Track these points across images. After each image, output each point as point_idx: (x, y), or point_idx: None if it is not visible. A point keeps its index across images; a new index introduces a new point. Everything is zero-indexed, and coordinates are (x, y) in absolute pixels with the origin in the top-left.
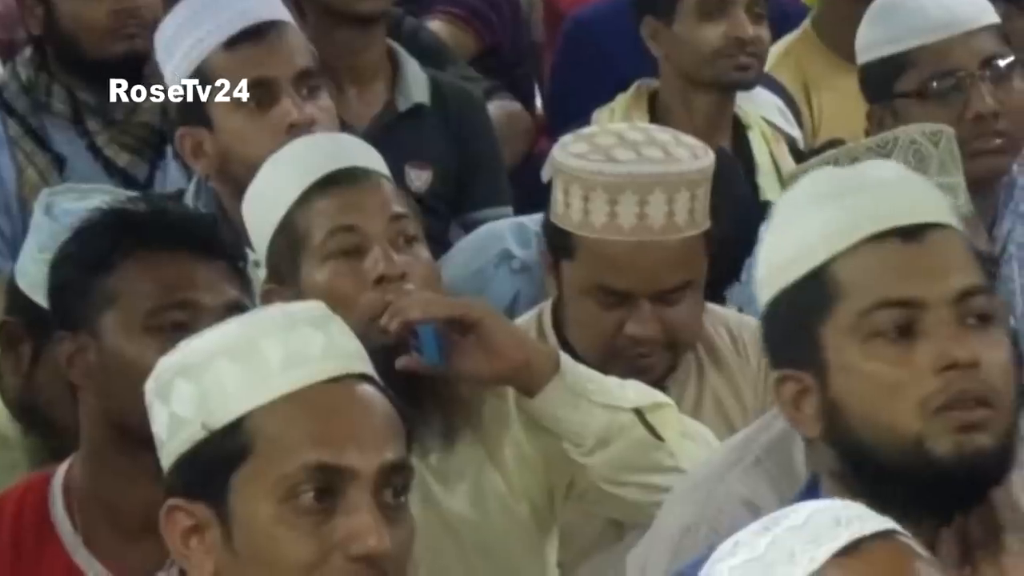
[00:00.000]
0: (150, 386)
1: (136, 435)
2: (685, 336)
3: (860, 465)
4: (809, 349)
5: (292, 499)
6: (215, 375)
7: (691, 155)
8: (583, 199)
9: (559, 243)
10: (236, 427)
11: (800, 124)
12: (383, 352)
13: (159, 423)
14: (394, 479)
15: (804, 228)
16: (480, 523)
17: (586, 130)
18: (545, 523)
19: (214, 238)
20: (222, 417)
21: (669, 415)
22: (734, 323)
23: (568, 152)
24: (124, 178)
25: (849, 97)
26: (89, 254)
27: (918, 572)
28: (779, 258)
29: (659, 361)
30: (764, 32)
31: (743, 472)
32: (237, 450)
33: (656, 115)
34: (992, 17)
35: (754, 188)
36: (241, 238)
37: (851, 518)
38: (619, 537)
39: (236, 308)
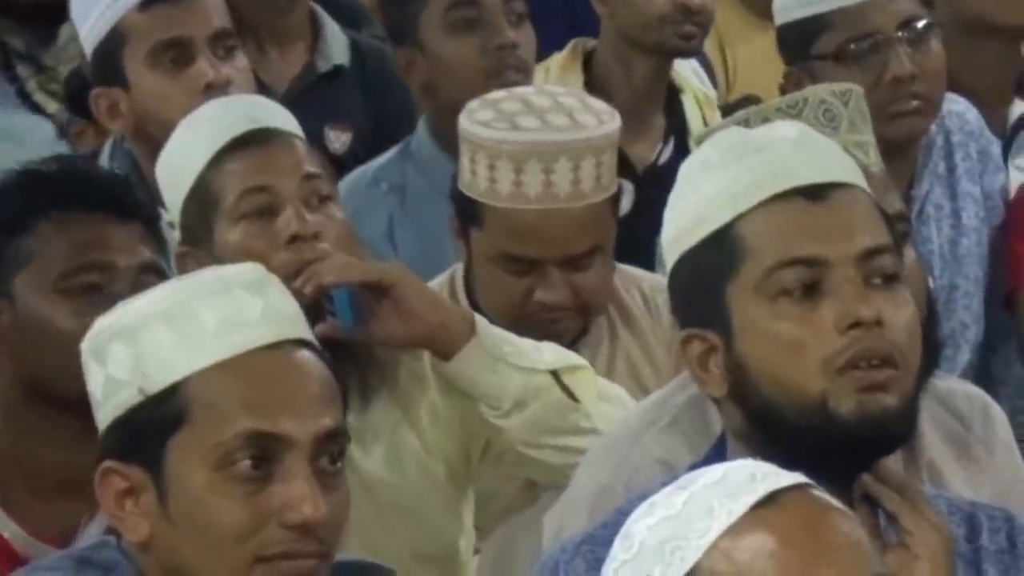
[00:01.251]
0: (86, 346)
1: (51, 396)
2: (595, 300)
3: (765, 424)
4: (715, 308)
5: (227, 467)
6: (151, 339)
7: (597, 121)
8: (489, 167)
9: (467, 211)
10: (172, 393)
11: (714, 81)
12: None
13: (95, 383)
14: (330, 446)
15: (709, 189)
16: (396, 484)
17: (492, 95)
18: (461, 484)
19: (129, 199)
20: (158, 382)
21: (586, 377)
22: (647, 285)
23: (474, 120)
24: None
25: (763, 53)
26: (1, 216)
27: (832, 519)
28: (685, 219)
29: (570, 325)
30: (709, 2)
31: (659, 433)
32: (173, 416)
33: (591, 75)
34: None
35: (686, 152)
36: (156, 199)
37: (766, 474)
38: (534, 499)
39: (151, 269)
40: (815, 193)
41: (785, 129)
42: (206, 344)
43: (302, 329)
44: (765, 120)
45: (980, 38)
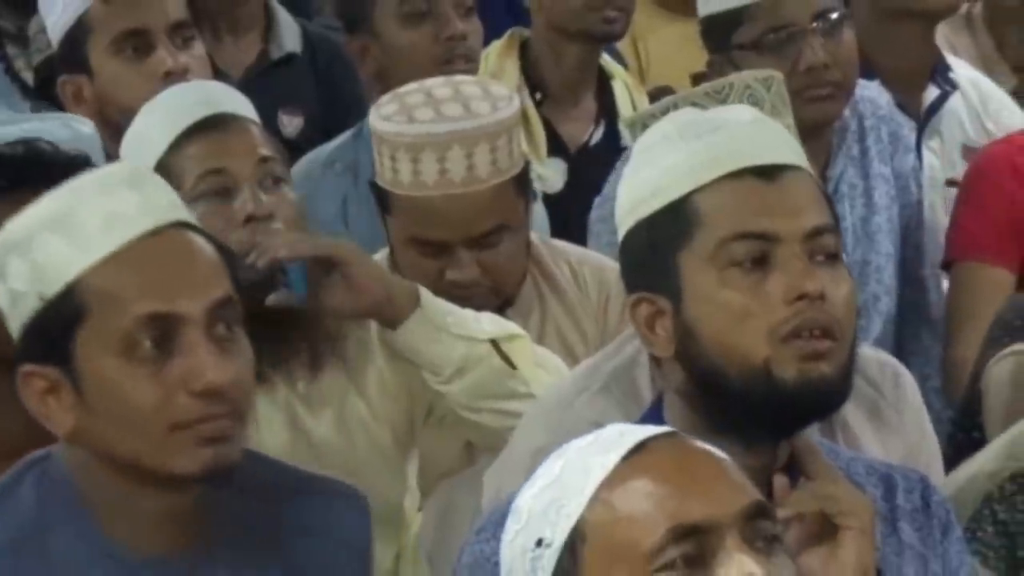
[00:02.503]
0: None
1: (11, 363)
2: (506, 276)
3: (709, 385)
4: (666, 274)
5: (131, 350)
6: (41, 248)
7: (492, 108)
8: (391, 159)
9: (379, 199)
10: (69, 292)
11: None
12: (252, 287)
13: (1, 298)
14: (224, 314)
15: (666, 163)
16: (344, 447)
17: (402, 88)
18: (405, 447)
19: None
20: (55, 285)
21: (523, 345)
22: (575, 258)
23: (378, 114)
24: (38, 99)
25: (672, 45)
26: None
27: (699, 456)
28: (640, 191)
29: (485, 301)
30: None
31: (591, 397)
32: (74, 313)
33: (527, 62)
34: None
35: (616, 134)
36: None
37: (634, 429)
38: (473, 461)
39: None
40: (767, 173)
41: (740, 112)
42: (92, 241)
43: (181, 213)
44: (694, 104)
45: (898, 23)
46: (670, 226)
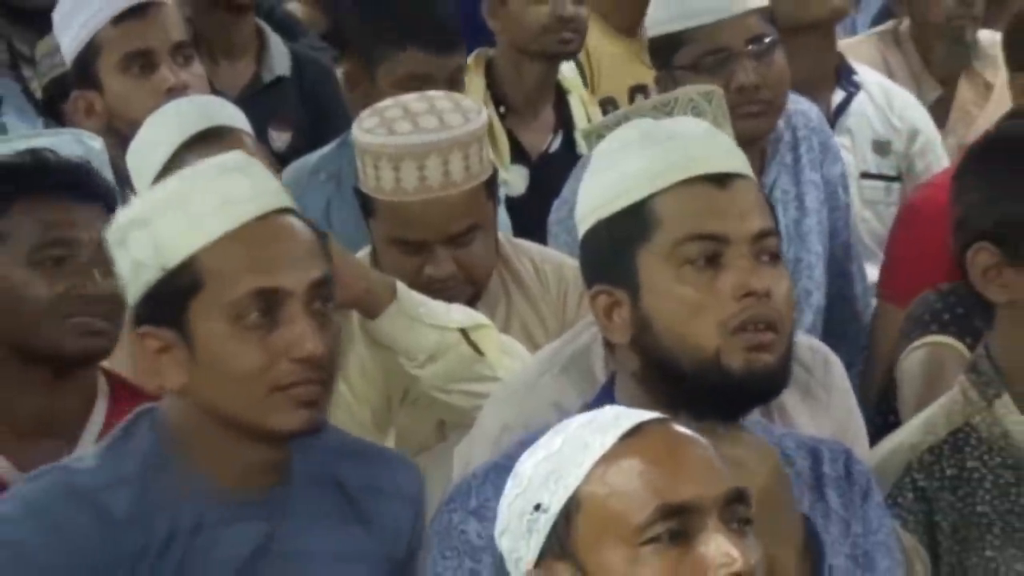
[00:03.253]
0: (110, 237)
1: (27, 353)
2: (479, 271)
3: (662, 370)
4: (625, 269)
5: (240, 319)
6: (164, 224)
7: (463, 119)
8: (374, 168)
9: (363, 204)
10: (187, 265)
11: (586, 84)
12: None
13: (122, 266)
14: (321, 291)
15: (627, 168)
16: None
17: (380, 104)
18: (383, 425)
19: (90, 183)
20: (175, 258)
21: (489, 334)
22: (537, 256)
23: (361, 128)
24: (47, 116)
25: (616, 61)
26: None
27: (688, 443)
28: (602, 193)
29: (460, 294)
30: (583, 10)
31: (552, 379)
32: (191, 284)
33: (492, 78)
34: (761, 1)
35: (572, 143)
36: (126, 183)
37: (629, 413)
38: (444, 437)
39: None
40: (719, 180)
41: (694, 124)
42: (210, 221)
43: (285, 199)
44: (642, 117)
45: (796, 36)
46: (630, 226)
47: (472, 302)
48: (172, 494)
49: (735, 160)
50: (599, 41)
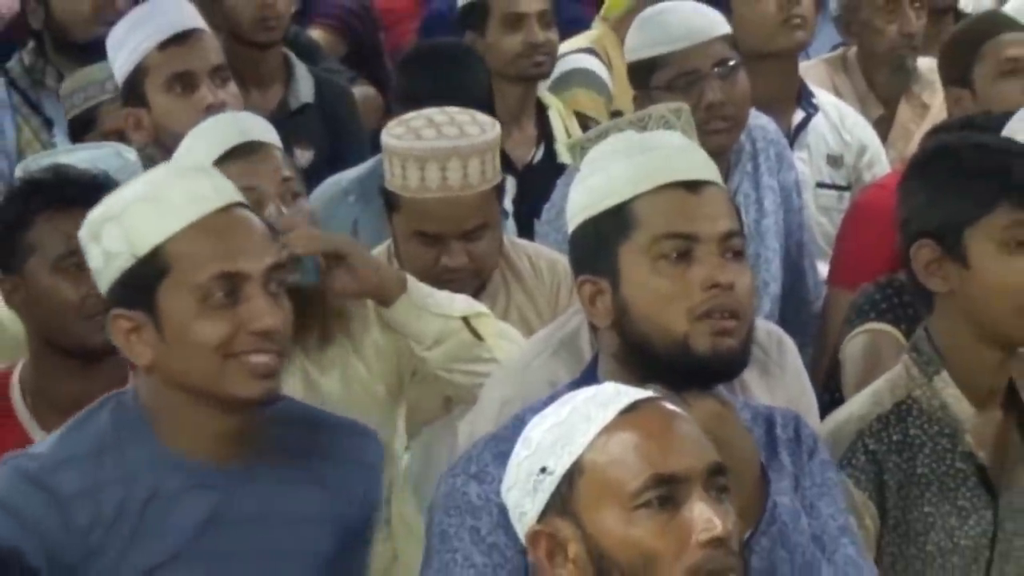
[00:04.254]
0: (83, 232)
1: (61, 346)
2: (486, 264)
3: (639, 351)
4: (607, 262)
5: (207, 299)
6: (134, 217)
7: (480, 130)
8: (401, 168)
9: (388, 201)
10: (156, 253)
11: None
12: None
13: (94, 257)
14: (275, 275)
15: (611, 174)
16: (347, 399)
17: (406, 116)
18: (396, 399)
19: (106, 193)
20: (145, 246)
21: (488, 321)
22: (533, 253)
23: (390, 134)
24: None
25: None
26: (11, 216)
27: (678, 420)
28: (590, 195)
29: (468, 284)
30: (553, 35)
31: (545, 360)
32: (160, 269)
33: None
34: (724, 28)
35: (553, 154)
36: None
37: (628, 390)
38: (449, 411)
39: None
40: (693, 186)
41: (672, 137)
42: (176, 214)
43: (240, 196)
44: (621, 131)
45: (762, 63)
46: (613, 224)
47: (477, 293)
48: (128, 467)
49: (707, 169)
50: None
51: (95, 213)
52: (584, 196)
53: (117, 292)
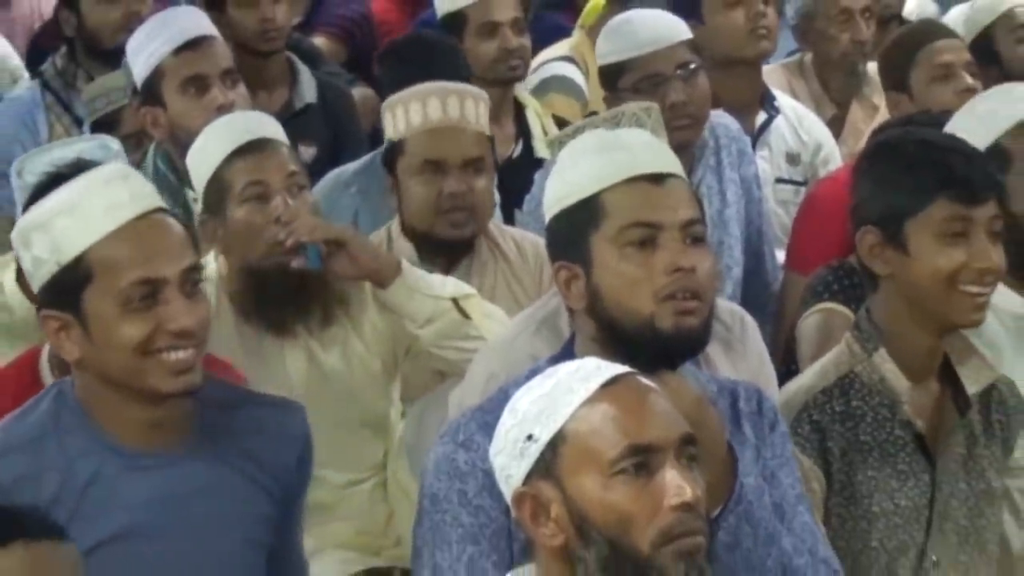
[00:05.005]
0: (15, 237)
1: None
2: (482, 203)
3: (610, 332)
4: (580, 250)
5: (128, 303)
6: (59, 227)
7: (472, 87)
8: (404, 111)
9: (395, 152)
10: (80, 260)
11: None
12: (283, 263)
13: (26, 262)
14: (192, 276)
15: (583, 169)
16: (347, 374)
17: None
18: (391, 374)
19: None
20: (69, 255)
21: (475, 301)
22: (518, 236)
23: (390, 101)
24: None
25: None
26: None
27: (653, 394)
28: (563, 188)
29: (468, 226)
30: (526, 41)
31: (528, 336)
32: (84, 276)
33: None
34: (686, 34)
35: (531, 150)
36: (185, 180)
37: (608, 366)
38: (441, 383)
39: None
40: (657, 179)
41: (639, 134)
42: (97, 223)
43: (158, 201)
44: (597, 128)
45: (729, 68)
46: (585, 215)
47: (472, 237)
48: (68, 453)
49: (670, 163)
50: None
51: (24, 221)
52: (559, 189)
53: (46, 294)
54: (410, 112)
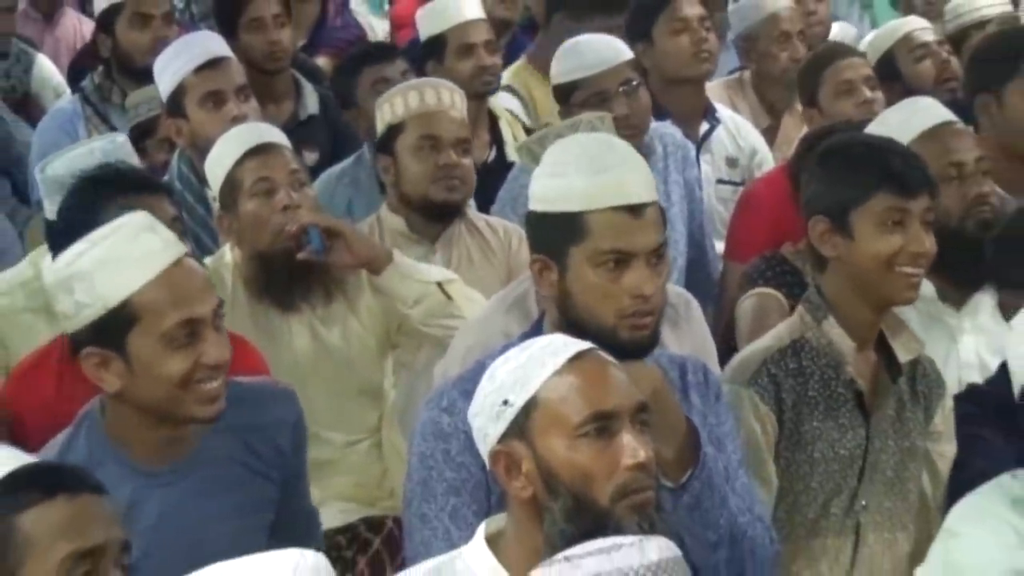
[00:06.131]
0: (51, 282)
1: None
2: (468, 178)
3: (575, 326)
4: (560, 255)
5: (170, 342)
6: (102, 274)
7: (456, 88)
8: (403, 99)
9: (391, 137)
10: (125, 305)
11: (528, 113)
12: (289, 251)
13: (65, 305)
14: (219, 311)
15: (573, 183)
16: (346, 349)
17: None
18: (384, 348)
19: (154, 182)
20: (115, 300)
21: (457, 285)
22: (494, 221)
23: (383, 98)
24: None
25: (546, 98)
26: (80, 201)
27: (613, 368)
28: (553, 192)
29: (459, 187)
30: (497, 59)
31: (502, 315)
32: (129, 319)
33: None
34: (628, 55)
35: (504, 155)
36: (204, 183)
37: (575, 342)
38: (428, 356)
39: (176, 219)
40: (637, 210)
41: (626, 156)
42: (137, 271)
43: (183, 247)
44: (559, 135)
45: (676, 85)
46: (568, 227)
47: (465, 200)
48: (108, 480)
49: (649, 191)
50: (535, 84)
51: (63, 269)
52: (547, 191)
53: (89, 334)
54: (408, 99)
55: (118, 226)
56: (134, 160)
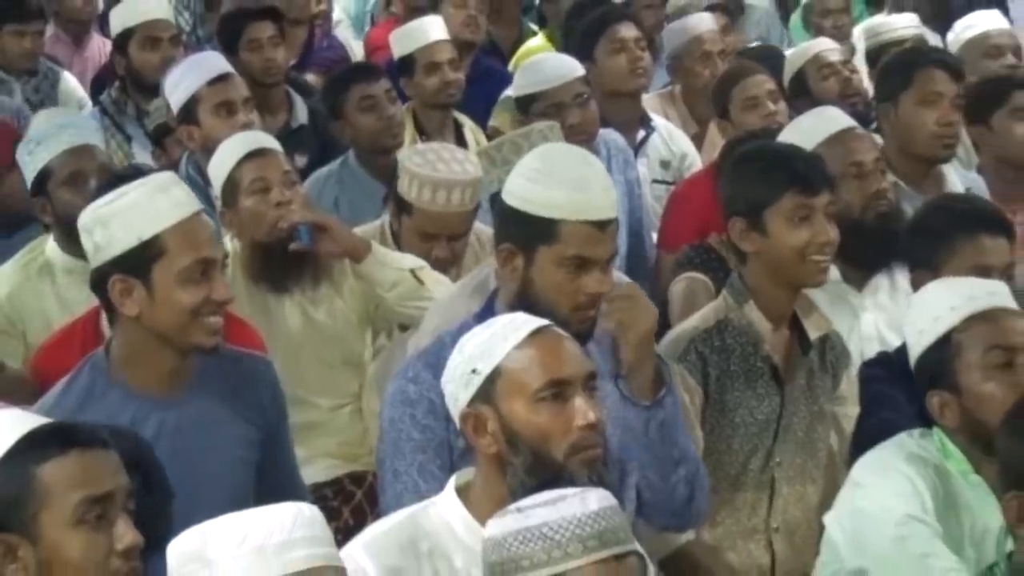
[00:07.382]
0: (87, 219)
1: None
2: (461, 255)
3: (529, 311)
4: (528, 250)
5: (188, 277)
6: (136, 212)
7: (474, 168)
8: (418, 188)
9: (401, 205)
10: (156, 239)
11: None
12: (283, 241)
13: (98, 236)
14: (224, 260)
15: (549, 192)
16: (332, 325)
17: (420, 146)
18: (364, 325)
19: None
20: (147, 234)
21: (428, 272)
22: (476, 230)
23: (412, 160)
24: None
25: None
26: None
27: (568, 342)
28: (529, 194)
29: (449, 264)
30: (461, 75)
31: (465, 299)
32: (158, 252)
33: (416, 121)
34: (580, 72)
35: None
36: (208, 182)
37: (533, 319)
38: (403, 330)
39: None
40: (603, 225)
41: (599, 179)
42: (168, 213)
43: (199, 204)
44: (514, 142)
45: (616, 98)
46: (541, 230)
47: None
48: (108, 411)
49: (614, 208)
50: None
51: (102, 205)
52: (528, 193)
53: (119, 263)
54: (422, 192)
55: (150, 179)
56: (98, 136)
